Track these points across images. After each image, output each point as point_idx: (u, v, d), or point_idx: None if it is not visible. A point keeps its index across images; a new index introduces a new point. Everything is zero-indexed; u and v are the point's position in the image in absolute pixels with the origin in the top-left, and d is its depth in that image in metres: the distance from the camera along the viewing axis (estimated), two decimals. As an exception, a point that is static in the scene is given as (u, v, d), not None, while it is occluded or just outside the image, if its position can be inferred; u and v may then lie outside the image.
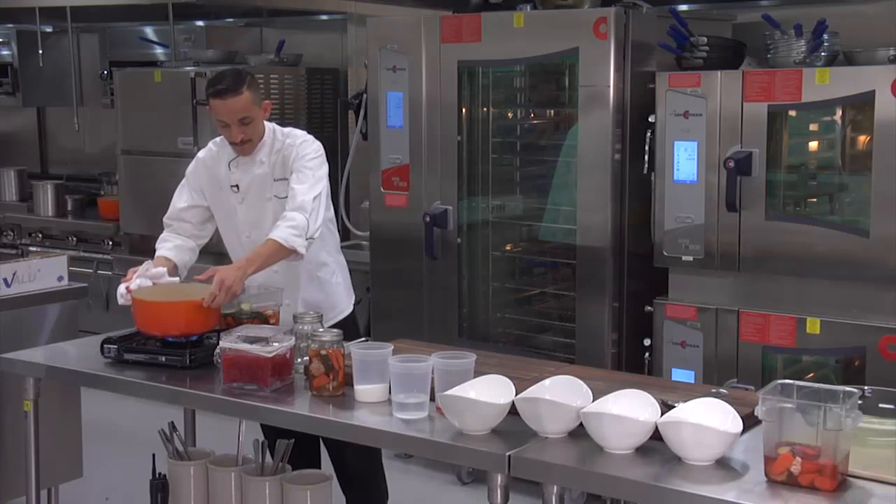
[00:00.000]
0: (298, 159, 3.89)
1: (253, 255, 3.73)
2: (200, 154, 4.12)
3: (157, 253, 4.01)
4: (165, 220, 4.12)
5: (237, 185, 3.98)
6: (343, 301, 4.13)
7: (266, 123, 3.98)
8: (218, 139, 4.08)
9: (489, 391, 2.86)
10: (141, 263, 3.89)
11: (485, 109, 5.12)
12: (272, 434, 3.63)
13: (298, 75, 6.51)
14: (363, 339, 3.59)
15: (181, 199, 4.10)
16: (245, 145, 3.90)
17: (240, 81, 3.83)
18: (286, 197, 3.87)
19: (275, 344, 3.20)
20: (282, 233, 3.72)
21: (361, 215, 6.12)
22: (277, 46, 6.57)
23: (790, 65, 4.37)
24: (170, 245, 4.04)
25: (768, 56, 4.49)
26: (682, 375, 4.50)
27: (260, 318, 3.64)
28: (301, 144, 3.93)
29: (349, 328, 3.80)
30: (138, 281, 3.72)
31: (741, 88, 4.32)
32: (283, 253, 3.73)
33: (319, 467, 3.99)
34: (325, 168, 3.94)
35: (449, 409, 2.83)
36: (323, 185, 3.89)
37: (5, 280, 4.23)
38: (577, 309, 4.74)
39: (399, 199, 5.20)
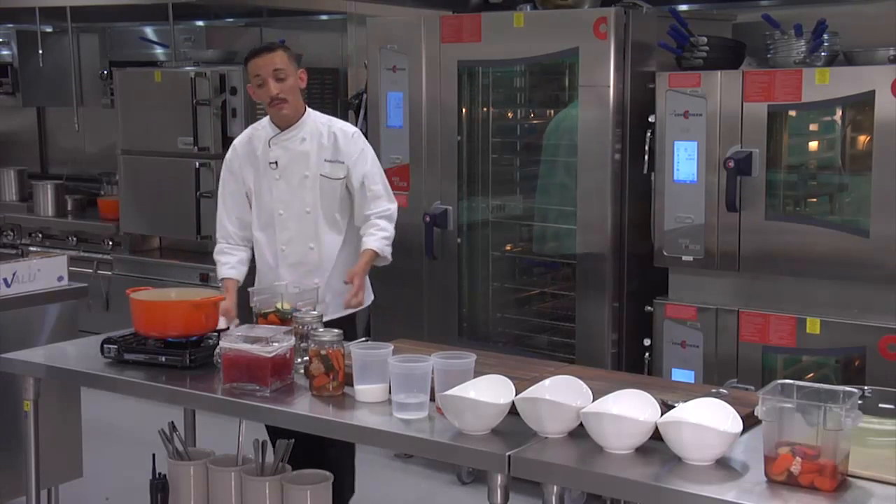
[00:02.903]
0: (364, 159, 4.15)
1: (366, 261, 4.06)
2: (235, 141, 4.27)
3: (221, 273, 4.19)
4: (219, 235, 4.25)
5: (276, 162, 4.12)
6: (367, 297, 4.24)
7: (308, 108, 4.18)
8: (255, 124, 4.27)
9: (489, 391, 2.86)
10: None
11: (485, 109, 5.12)
12: (277, 435, 3.63)
13: (298, 75, 6.50)
14: (363, 339, 3.59)
15: (224, 203, 4.24)
16: (281, 105, 4.05)
17: (274, 44, 4.13)
18: (341, 178, 4.11)
19: (275, 344, 3.20)
20: (378, 243, 4.07)
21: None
22: (277, 46, 6.56)
23: (790, 65, 4.37)
24: (232, 262, 4.19)
25: (768, 56, 4.50)
26: (682, 375, 4.50)
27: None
28: (355, 136, 4.17)
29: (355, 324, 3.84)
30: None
31: (741, 88, 4.32)
32: (377, 258, 4.10)
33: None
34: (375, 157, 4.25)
35: (449, 409, 2.83)
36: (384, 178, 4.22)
37: (5, 280, 4.23)
38: (577, 309, 4.74)
39: (399, 199, 5.15)
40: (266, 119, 4.19)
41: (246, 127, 4.42)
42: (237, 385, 3.22)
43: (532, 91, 5.24)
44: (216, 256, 4.24)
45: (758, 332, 4.37)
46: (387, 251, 4.11)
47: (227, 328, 3.62)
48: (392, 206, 4.18)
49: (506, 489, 2.73)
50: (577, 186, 4.68)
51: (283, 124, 4.12)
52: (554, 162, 4.96)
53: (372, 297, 4.31)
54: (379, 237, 4.08)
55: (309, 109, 4.20)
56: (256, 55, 4.06)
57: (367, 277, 4.19)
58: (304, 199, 4.11)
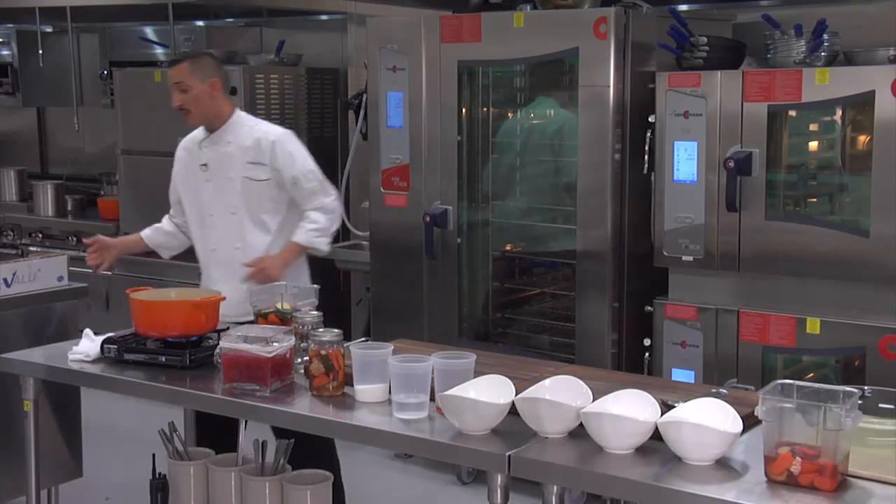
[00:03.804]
0: (293, 162, 4.26)
1: (286, 254, 4.24)
2: (180, 143, 4.50)
3: (144, 231, 4.61)
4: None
5: (206, 164, 4.33)
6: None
7: (237, 111, 4.38)
8: (190, 135, 4.48)
9: (489, 391, 2.86)
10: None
11: (485, 109, 5.12)
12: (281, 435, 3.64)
13: (298, 75, 6.51)
14: (363, 339, 3.59)
15: (171, 191, 4.54)
16: (186, 115, 4.28)
17: (184, 56, 4.40)
18: (263, 180, 4.26)
19: (275, 344, 3.20)
20: (304, 236, 4.23)
21: (361, 215, 6.11)
22: (277, 46, 6.57)
23: (790, 65, 4.37)
24: (155, 226, 4.60)
25: (768, 56, 4.50)
26: (682, 375, 4.50)
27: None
28: (279, 141, 4.28)
29: None
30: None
31: (741, 88, 4.32)
32: (304, 251, 4.28)
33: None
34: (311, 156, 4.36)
35: (449, 409, 2.83)
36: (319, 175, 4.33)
37: (5, 280, 4.23)
38: (577, 309, 4.74)
39: (399, 199, 5.20)
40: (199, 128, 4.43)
41: None
42: (237, 385, 3.22)
43: (532, 91, 5.24)
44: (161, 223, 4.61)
45: (758, 332, 4.37)
46: (316, 243, 4.26)
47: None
48: (327, 199, 4.30)
49: (506, 489, 2.73)
50: (577, 186, 4.68)
51: (210, 128, 4.33)
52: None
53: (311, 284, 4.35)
54: (306, 230, 4.24)
55: (239, 112, 4.38)
56: (169, 66, 4.35)
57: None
58: (230, 201, 4.30)
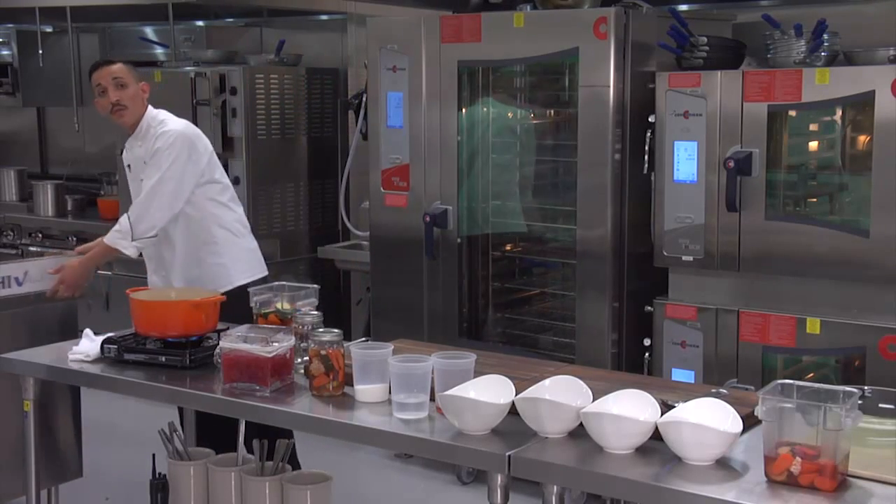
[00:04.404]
0: (160, 161, 4.32)
1: (92, 254, 4.37)
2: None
3: None
4: None
5: (129, 165, 4.52)
6: (223, 279, 4.37)
7: (153, 110, 4.44)
8: None
9: (489, 391, 2.86)
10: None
11: (485, 109, 5.12)
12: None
13: (298, 75, 6.50)
14: (363, 339, 3.59)
15: None
16: (121, 112, 4.36)
17: (115, 59, 4.49)
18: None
19: (275, 344, 3.20)
20: (110, 235, 4.33)
21: (361, 215, 6.12)
22: (277, 46, 6.56)
23: (790, 65, 4.37)
24: None
25: (768, 56, 4.50)
26: (682, 375, 4.50)
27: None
28: (159, 136, 4.35)
29: (232, 303, 3.85)
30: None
31: (741, 88, 4.32)
32: (112, 252, 4.36)
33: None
34: (176, 158, 4.30)
35: (449, 409, 2.83)
36: (167, 181, 4.28)
37: (17, 279, 4.25)
38: (577, 309, 4.74)
39: (399, 199, 5.20)
40: None
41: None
42: (237, 385, 3.22)
43: (532, 91, 5.24)
44: None
45: (758, 332, 4.37)
46: (120, 245, 4.30)
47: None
48: (140, 207, 4.28)
49: (506, 489, 2.74)
50: (577, 186, 4.68)
51: (129, 131, 4.45)
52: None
53: (251, 275, 4.45)
54: (112, 230, 4.33)
55: (150, 112, 4.43)
56: (97, 68, 4.40)
57: (245, 255, 4.50)
58: None
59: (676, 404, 2.77)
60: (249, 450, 3.60)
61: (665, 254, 4.57)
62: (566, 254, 4.89)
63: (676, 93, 4.46)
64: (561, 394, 2.81)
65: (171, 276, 4.44)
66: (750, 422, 2.70)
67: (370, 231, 5.41)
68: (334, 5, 6.63)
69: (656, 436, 2.65)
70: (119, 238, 4.31)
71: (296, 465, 4.19)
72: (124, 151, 4.53)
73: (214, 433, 3.95)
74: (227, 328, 3.53)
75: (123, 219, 4.31)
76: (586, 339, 4.71)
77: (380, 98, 5.20)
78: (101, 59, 4.53)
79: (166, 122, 4.41)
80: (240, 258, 4.50)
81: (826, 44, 4.36)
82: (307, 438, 4.17)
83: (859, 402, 2.49)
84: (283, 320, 3.52)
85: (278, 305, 3.61)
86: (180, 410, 4.23)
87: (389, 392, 3.02)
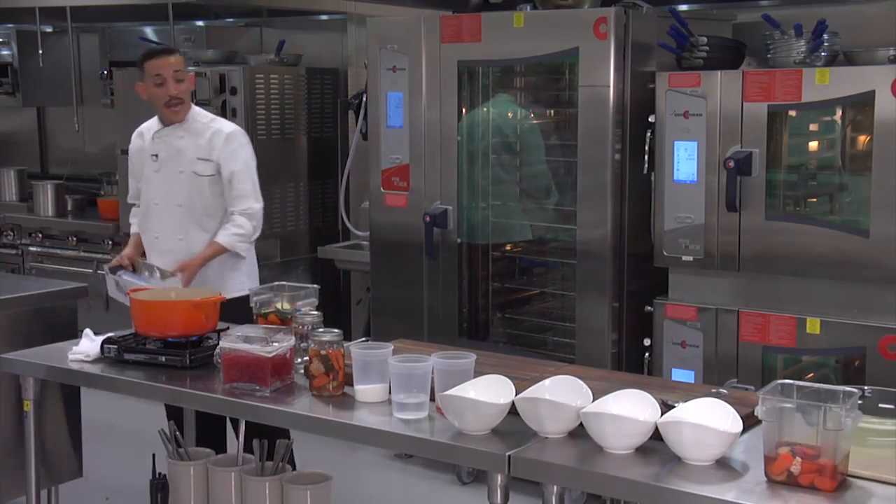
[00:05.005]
0: (236, 159, 4.35)
1: (205, 257, 4.30)
2: (134, 133, 4.60)
3: (132, 229, 4.67)
4: (129, 199, 4.72)
5: (156, 155, 4.45)
6: (235, 285, 4.36)
7: (193, 106, 4.47)
8: (152, 119, 4.56)
9: (489, 391, 2.86)
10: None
11: (485, 110, 5.12)
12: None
13: (298, 75, 6.50)
14: (363, 339, 3.59)
15: (131, 177, 4.66)
16: (177, 107, 4.37)
17: (173, 48, 4.51)
18: (210, 176, 4.36)
19: (275, 344, 3.20)
20: (228, 238, 4.32)
21: (361, 215, 6.12)
22: (277, 46, 6.57)
23: (790, 65, 4.37)
24: (138, 221, 4.63)
25: (768, 56, 4.50)
26: (682, 375, 4.50)
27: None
28: (230, 136, 4.38)
29: (237, 309, 3.86)
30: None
31: (741, 88, 4.32)
32: (225, 252, 4.34)
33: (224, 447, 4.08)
34: (250, 155, 4.45)
35: (449, 409, 2.83)
36: (254, 178, 4.43)
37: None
38: (577, 309, 4.74)
39: (399, 199, 5.20)
40: (156, 117, 4.50)
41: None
42: (237, 385, 3.22)
43: (532, 91, 5.24)
44: (130, 219, 4.72)
45: (758, 332, 4.37)
46: (239, 247, 4.35)
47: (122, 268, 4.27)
48: (257, 206, 4.38)
49: (506, 489, 2.74)
50: (577, 186, 4.68)
51: (168, 122, 4.41)
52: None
53: (252, 285, 4.33)
54: (231, 233, 4.33)
55: (194, 108, 4.47)
56: (157, 55, 4.37)
57: (254, 266, 4.56)
58: (178, 194, 4.41)
59: (676, 404, 2.77)
60: (249, 449, 3.60)
61: (665, 254, 4.57)
62: (566, 254, 4.89)
63: (676, 93, 4.46)
64: (561, 394, 2.81)
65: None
66: (750, 422, 2.70)
67: (370, 231, 5.41)
68: (334, 5, 6.63)
69: (656, 436, 2.65)
70: (239, 241, 4.34)
71: (292, 465, 4.18)
72: (152, 140, 4.46)
73: (206, 431, 3.96)
74: (227, 328, 3.53)
75: (243, 221, 4.32)
76: (586, 339, 4.71)
77: (380, 98, 5.20)
78: (158, 46, 4.51)
79: (218, 119, 4.48)
80: (253, 267, 4.57)
81: (826, 44, 4.36)
82: (307, 438, 4.16)
83: (859, 402, 2.49)
84: (283, 320, 3.52)
85: (278, 305, 3.61)
86: (169, 412, 4.22)
87: (389, 392, 3.02)
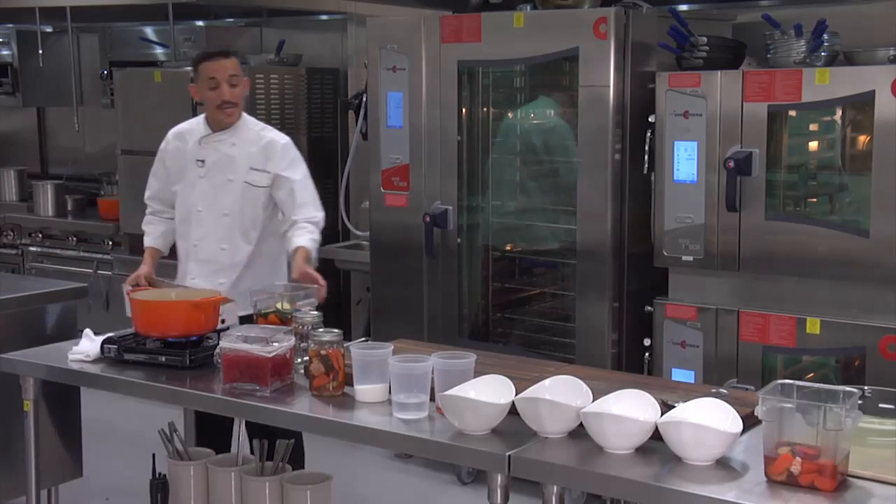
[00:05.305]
0: (294, 169, 4.24)
1: (303, 258, 4.04)
2: (170, 133, 4.45)
3: (146, 241, 4.46)
4: (147, 198, 4.52)
5: (203, 161, 4.27)
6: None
7: (243, 113, 4.32)
8: (191, 119, 4.45)
9: (489, 391, 2.86)
10: (140, 263, 4.27)
11: (485, 109, 5.12)
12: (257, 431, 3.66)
13: (298, 75, 6.51)
14: (363, 339, 3.59)
15: (150, 185, 4.51)
16: (232, 111, 4.22)
17: (230, 50, 4.32)
18: (264, 187, 4.22)
19: (275, 344, 3.20)
20: (309, 243, 4.11)
21: (361, 215, 6.12)
22: (277, 46, 6.57)
23: (790, 65, 4.37)
24: (156, 233, 4.46)
25: (768, 56, 4.49)
26: (682, 375, 4.50)
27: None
28: (286, 147, 4.27)
29: None
30: None
31: (741, 88, 4.32)
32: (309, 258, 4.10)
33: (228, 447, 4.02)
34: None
35: (449, 409, 2.83)
36: (312, 185, 4.33)
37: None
38: (577, 309, 4.74)
39: (399, 199, 5.20)
40: (201, 117, 4.36)
41: None
42: (237, 385, 3.22)
43: (532, 91, 5.24)
44: (144, 227, 4.52)
45: (758, 332, 4.37)
46: (315, 252, 4.16)
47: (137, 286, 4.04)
48: (319, 215, 4.24)
49: (506, 489, 2.74)
50: (577, 186, 4.68)
51: (218, 127, 4.27)
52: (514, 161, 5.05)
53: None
54: (308, 238, 4.13)
55: (245, 116, 4.33)
56: (213, 58, 4.22)
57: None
58: (225, 202, 4.25)
59: (676, 404, 2.77)
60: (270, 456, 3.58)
61: (665, 254, 4.57)
62: (566, 254, 4.89)
63: (676, 93, 4.46)
64: (561, 394, 2.81)
65: (233, 281, 4.23)
66: (750, 422, 2.70)
67: (370, 231, 5.41)
68: (334, 5, 6.63)
69: (656, 436, 2.65)
70: (315, 246, 4.16)
71: (301, 463, 4.14)
72: (197, 145, 4.28)
73: (208, 430, 3.95)
74: (228, 328, 3.53)
75: (311, 227, 4.17)
76: (586, 339, 4.71)
77: (380, 98, 5.20)
78: (215, 48, 4.33)
79: (268, 128, 4.36)
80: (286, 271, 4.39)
81: (826, 44, 4.36)
82: (307, 438, 4.18)
83: (859, 402, 2.49)
84: (283, 320, 3.52)
85: (278, 305, 3.61)
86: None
87: (389, 392, 3.02)
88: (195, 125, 4.36)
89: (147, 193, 4.52)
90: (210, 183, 4.26)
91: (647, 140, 4.55)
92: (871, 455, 2.51)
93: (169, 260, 4.58)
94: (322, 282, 3.93)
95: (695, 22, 4.68)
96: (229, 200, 4.24)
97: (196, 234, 4.30)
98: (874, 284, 4.19)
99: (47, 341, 4.04)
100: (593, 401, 2.80)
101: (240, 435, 3.62)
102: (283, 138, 4.31)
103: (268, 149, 4.24)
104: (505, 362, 3.39)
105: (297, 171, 4.26)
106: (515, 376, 2.99)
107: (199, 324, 3.57)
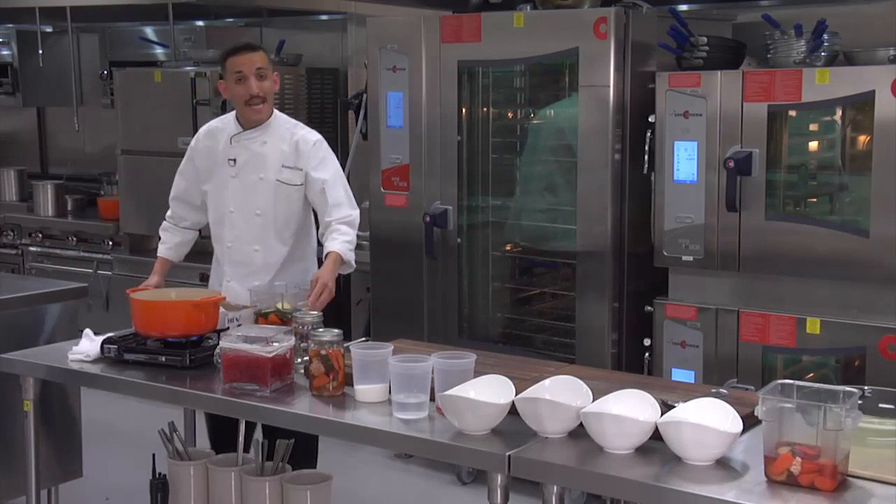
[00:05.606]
0: (325, 167, 4.12)
1: (331, 264, 3.93)
2: (200, 131, 4.32)
3: (160, 250, 4.38)
4: (171, 198, 4.39)
5: (234, 160, 4.15)
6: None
7: (275, 111, 4.21)
8: (222, 117, 4.32)
9: (489, 391, 2.86)
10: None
11: (485, 109, 5.12)
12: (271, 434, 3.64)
13: (298, 75, 6.50)
14: (363, 339, 3.59)
15: (177, 185, 4.36)
16: (259, 106, 4.09)
17: (256, 44, 4.22)
18: (297, 185, 4.11)
19: (275, 344, 3.20)
20: (341, 246, 3.99)
21: (361, 215, 6.10)
22: (277, 46, 6.56)
23: (790, 65, 4.37)
24: (171, 243, 4.37)
25: (768, 56, 4.50)
26: (682, 375, 4.50)
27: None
28: (317, 144, 4.16)
29: None
30: None
31: (741, 88, 4.32)
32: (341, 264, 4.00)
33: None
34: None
35: (449, 409, 2.83)
36: (346, 183, 4.23)
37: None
38: (577, 309, 4.74)
39: (399, 199, 5.20)
40: (232, 114, 4.23)
41: None
42: (237, 385, 3.22)
43: (532, 91, 5.24)
44: (160, 232, 4.41)
45: (758, 332, 4.37)
46: (350, 256, 4.03)
47: None
48: (354, 213, 4.11)
49: (506, 489, 2.74)
50: (576, 186, 4.68)
51: (249, 124, 4.15)
52: (545, 161, 4.98)
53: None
54: (341, 241, 4.01)
55: (276, 113, 4.22)
56: (239, 52, 4.08)
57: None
58: (257, 202, 4.13)
59: (676, 404, 2.77)
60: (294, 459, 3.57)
61: (665, 254, 4.57)
62: (566, 254, 4.89)
63: (676, 93, 4.46)
64: (561, 394, 2.81)
65: (268, 283, 4.04)
66: (750, 422, 2.70)
67: (370, 231, 5.41)
68: (334, 5, 6.63)
69: (656, 436, 2.65)
70: (349, 249, 4.03)
71: (313, 464, 4.09)
72: (228, 143, 4.15)
73: (227, 435, 3.87)
74: (228, 328, 3.53)
75: (346, 229, 4.04)
76: (586, 339, 4.71)
77: (380, 98, 5.20)
78: (241, 42, 4.18)
79: (300, 125, 4.23)
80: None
81: (826, 44, 4.36)
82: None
83: (859, 402, 2.49)
84: (283, 320, 3.52)
85: (278, 305, 3.61)
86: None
87: (389, 392, 3.02)
88: (226, 123, 4.23)
89: (172, 193, 4.38)
90: (241, 182, 4.14)
91: (647, 140, 4.55)
92: (871, 455, 2.51)
93: (182, 263, 4.55)
94: (326, 294, 3.82)
95: (695, 22, 4.68)
96: (261, 200, 4.12)
97: (229, 235, 4.18)
98: (874, 284, 4.19)
99: (47, 341, 4.04)
100: (593, 401, 2.80)
101: (244, 435, 3.61)
102: (314, 136, 4.18)
103: (298, 146, 4.12)
104: (505, 362, 3.39)
105: (328, 170, 4.12)
106: (515, 376, 2.99)
107: (199, 324, 3.57)
